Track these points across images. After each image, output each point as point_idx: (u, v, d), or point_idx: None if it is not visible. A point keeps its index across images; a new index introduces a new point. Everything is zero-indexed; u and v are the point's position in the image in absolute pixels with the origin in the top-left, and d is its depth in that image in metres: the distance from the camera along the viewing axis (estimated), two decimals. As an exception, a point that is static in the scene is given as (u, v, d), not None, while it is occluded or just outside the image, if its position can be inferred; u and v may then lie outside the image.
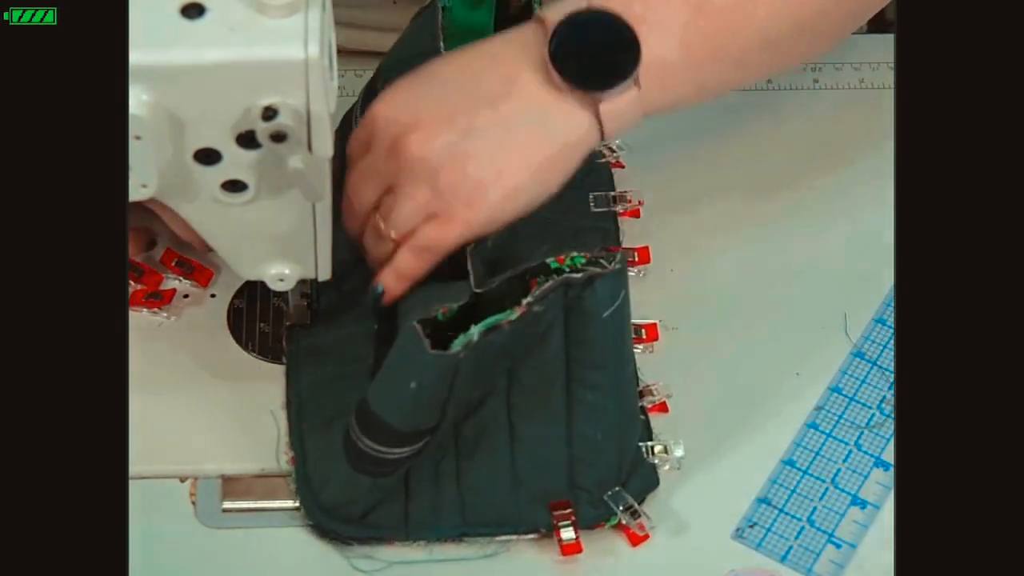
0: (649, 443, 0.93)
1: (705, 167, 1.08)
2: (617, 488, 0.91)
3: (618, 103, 0.90)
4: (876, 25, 1.16)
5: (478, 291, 0.88)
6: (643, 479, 0.92)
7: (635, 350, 0.97)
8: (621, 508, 0.91)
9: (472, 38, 0.94)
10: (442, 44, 0.95)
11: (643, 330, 0.98)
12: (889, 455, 0.95)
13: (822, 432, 0.96)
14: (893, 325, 1.00)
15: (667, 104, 0.92)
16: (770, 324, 1.00)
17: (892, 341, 1.00)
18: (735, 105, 1.11)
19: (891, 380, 0.98)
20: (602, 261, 0.88)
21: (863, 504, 0.94)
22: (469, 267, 0.90)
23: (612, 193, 1.03)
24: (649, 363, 0.97)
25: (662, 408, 0.96)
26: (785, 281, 1.02)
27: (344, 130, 0.98)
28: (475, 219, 0.89)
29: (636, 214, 1.03)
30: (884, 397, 0.98)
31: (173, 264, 1.00)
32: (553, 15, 0.90)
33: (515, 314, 0.86)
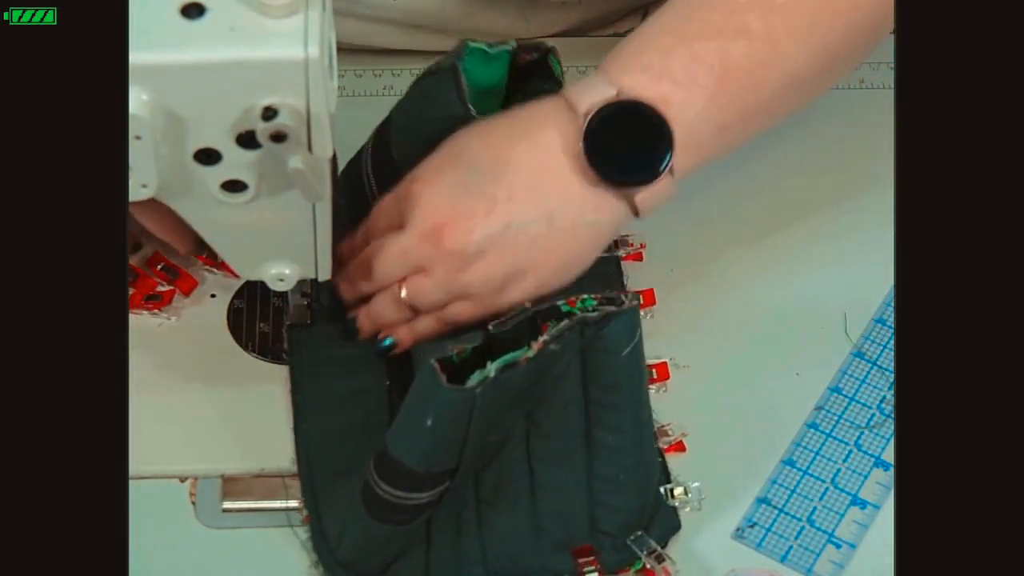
0: (668, 486, 0.92)
1: (703, 167, 1.07)
2: (640, 532, 0.90)
3: (654, 190, 0.91)
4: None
5: (492, 331, 0.89)
6: (665, 523, 0.91)
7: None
8: (645, 553, 0.90)
9: (487, 96, 0.95)
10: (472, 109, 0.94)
11: (654, 370, 0.97)
12: (889, 455, 0.95)
13: (822, 432, 0.96)
14: (893, 325, 1.00)
15: (697, 168, 0.93)
16: (770, 324, 1.00)
17: (892, 341, 1.00)
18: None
19: (891, 380, 0.98)
20: (615, 301, 0.88)
21: (863, 504, 0.94)
22: None
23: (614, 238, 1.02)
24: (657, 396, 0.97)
25: (679, 448, 0.95)
26: (785, 281, 1.02)
27: (354, 174, 0.98)
28: (505, 303, 0.91)
29: (639, 257, 1.02)
30: (884, 397, 0.98)
31: (159, 269, 1.00)
32: (583, 101, 0.90)
33: (532, 351, 0.85)
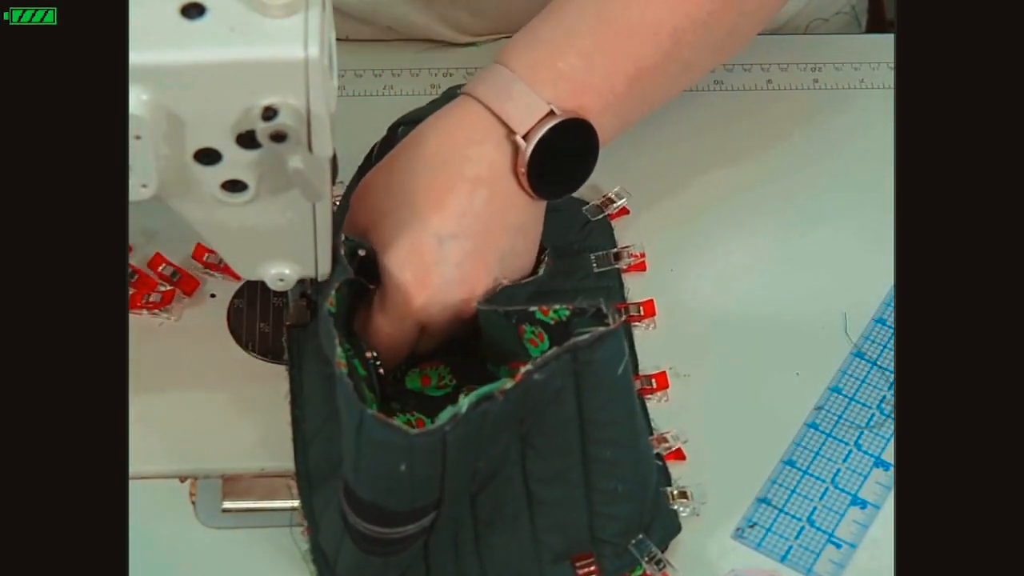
0: (668, 488, 0.92)
1: (704, 167, 1.08)
2: (640, 536, 0.90)
3: None
4: (876, 25, 1.16)
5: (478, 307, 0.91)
6: (665, 526, 0.91)
7: (648, 400, 0.96)
8: (646, 558, 0.89)
9: None
10: None
11: (653, 380, 0.97)
12: (889, 455, 0.95)
13: (822, 432, 0.96)
14: (893, 325, 1.00)
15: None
16: (770, 324, 1.00)
17: (892, 341, 1.00)
18: (735, 105, 1.11)
19: (891, 380, 0.98)
20: (586, 311, 0.88)
21: (863, 504, 0.94)
22: None
23: (614, 251, 1.02)
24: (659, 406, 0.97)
25: (679, 456, 0.94)
26: (785, 281, 1.03)
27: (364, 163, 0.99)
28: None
29: (642, 267, 1.02)
30: (884, 397, 0.98)
31: (159, 270, 1.00)
32: (518, 121, 0.91)
33: (509, 383, 0.84)
